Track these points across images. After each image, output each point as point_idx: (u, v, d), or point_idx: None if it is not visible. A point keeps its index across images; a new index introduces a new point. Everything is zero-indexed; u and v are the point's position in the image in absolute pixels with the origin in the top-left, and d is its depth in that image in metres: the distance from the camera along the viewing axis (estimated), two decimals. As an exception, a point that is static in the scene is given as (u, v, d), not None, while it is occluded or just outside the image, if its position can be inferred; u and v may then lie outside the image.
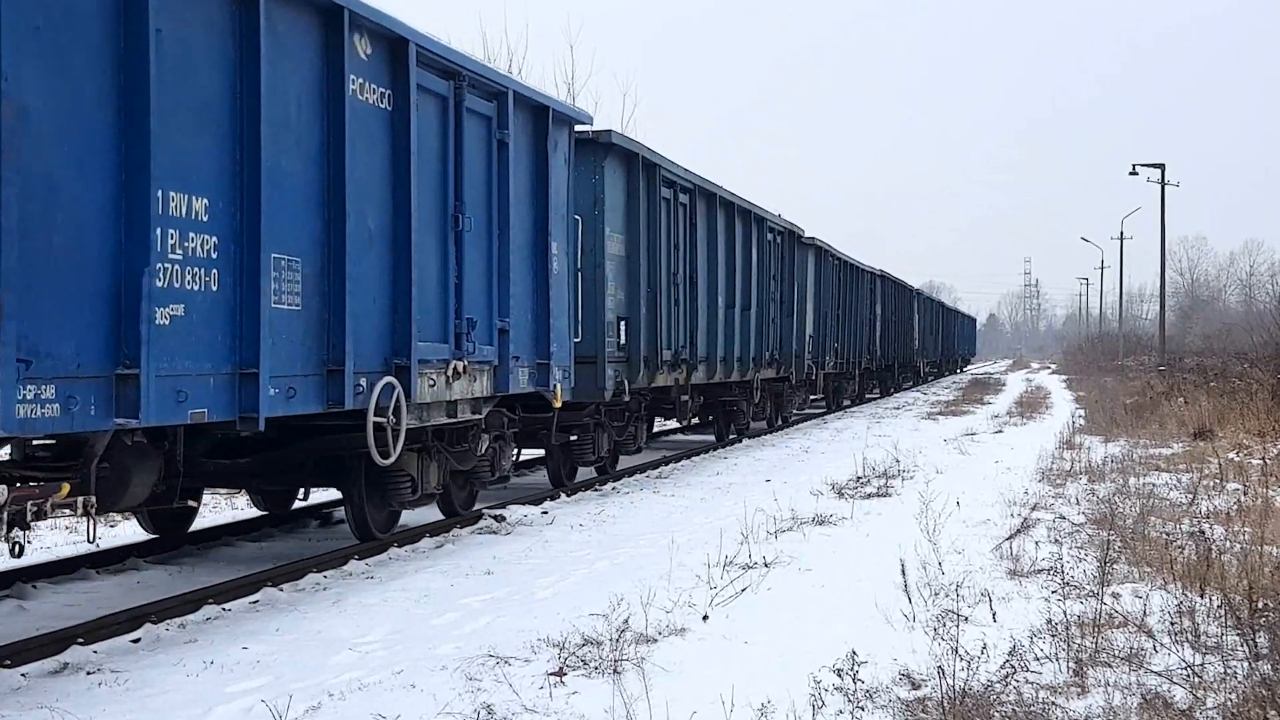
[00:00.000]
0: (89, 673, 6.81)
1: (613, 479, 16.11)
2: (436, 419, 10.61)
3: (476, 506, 12.46)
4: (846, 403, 35.32)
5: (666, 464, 18.37)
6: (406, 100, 9.74)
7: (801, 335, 26.09)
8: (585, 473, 16.05)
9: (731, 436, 22.53)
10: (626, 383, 15.24)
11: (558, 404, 12.71)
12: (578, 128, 13.93)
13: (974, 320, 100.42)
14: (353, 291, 9.00)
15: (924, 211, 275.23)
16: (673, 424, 22.70)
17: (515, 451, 13.04)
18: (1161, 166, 50.23)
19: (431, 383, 10.25)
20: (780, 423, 26.65)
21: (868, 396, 39.85)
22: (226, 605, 8.46)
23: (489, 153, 11.41)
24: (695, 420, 21.76)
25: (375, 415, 9.30)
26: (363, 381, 9.19)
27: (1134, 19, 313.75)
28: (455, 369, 10.65)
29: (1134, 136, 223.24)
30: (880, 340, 39.20)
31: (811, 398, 30.84)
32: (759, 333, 22.10)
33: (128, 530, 11.52)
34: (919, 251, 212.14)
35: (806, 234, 27.10)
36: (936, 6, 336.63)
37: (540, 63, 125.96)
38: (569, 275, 13.41)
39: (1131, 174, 50.70)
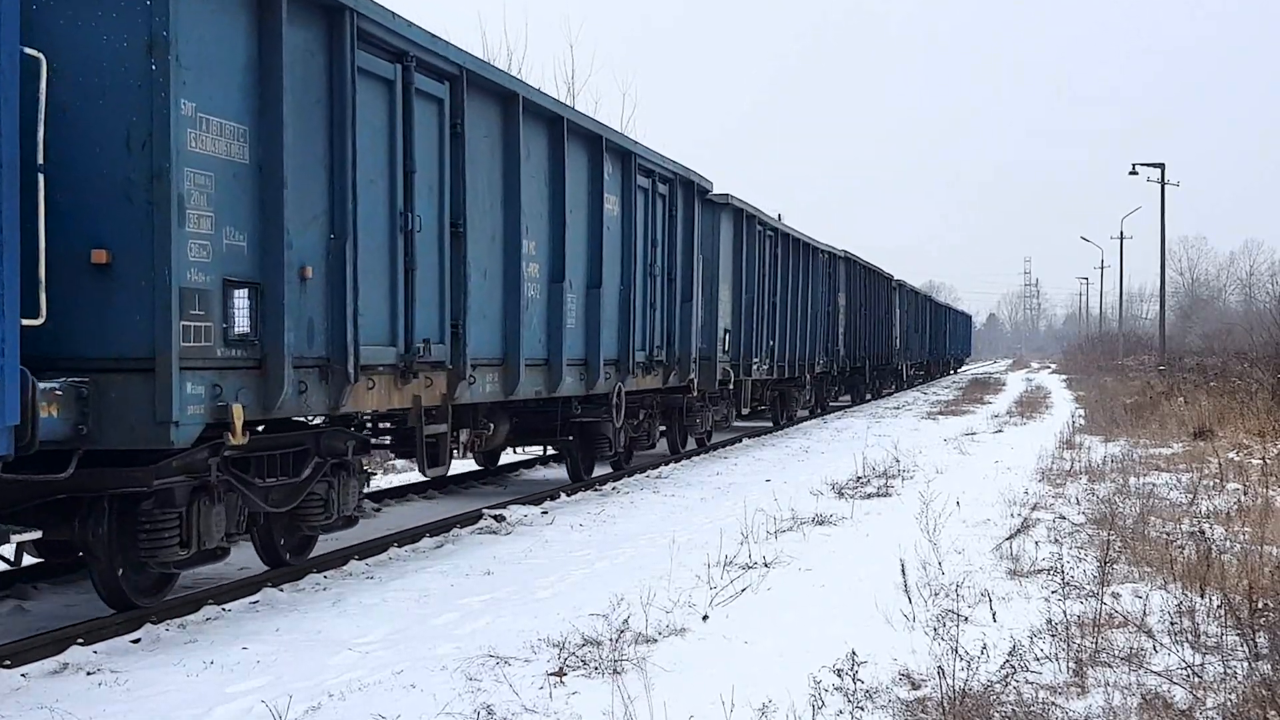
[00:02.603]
0: (89, 673, 6.82)
1: (612, 479, 16.08)
2: None
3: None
4: (803, 413, 29.23)
5: (667, 464, 18.37)
6: None
7: (710, 330, 19.59)
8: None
9: (601, 472, 16.25)
10: (243, 406, 7.94)
11: None
12: None
13: (969, 318, 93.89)
14: None
15: (923, 211, 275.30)
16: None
17: None
18: (1161, 166, 50.30)
19: None
20: (696, 446, 20.54)
21: (833, 406, 33.78)
22: (226, 605, 8.47)
23: None
24: (506, 454, 16.69)
25: None
26: None
27: (1134, 17, 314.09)
28: None
29: (1134, 135, 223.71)
30: (845, 338, 32.21)
31: (760, 408, 24.69)
32: (623, 324, 15.07)
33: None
34: (919, 251, 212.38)
35: (717, 189, 19.44)
36: (935, 3, 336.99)
37: (540, 63, 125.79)
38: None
39: (1131, 174, 50.79)
